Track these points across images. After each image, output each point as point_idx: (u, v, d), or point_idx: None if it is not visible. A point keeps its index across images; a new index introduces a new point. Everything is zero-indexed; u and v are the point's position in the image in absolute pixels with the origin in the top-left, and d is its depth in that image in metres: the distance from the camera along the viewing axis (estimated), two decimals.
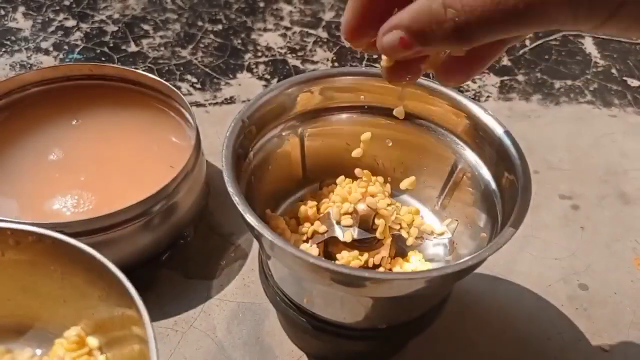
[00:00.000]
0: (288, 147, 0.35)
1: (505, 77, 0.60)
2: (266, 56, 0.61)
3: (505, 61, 0.62)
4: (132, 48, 0.60)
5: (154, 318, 0.37)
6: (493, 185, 0.32)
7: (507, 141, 0.31)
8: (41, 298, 0.27)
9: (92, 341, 0.27)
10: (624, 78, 0.61)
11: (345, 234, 0.32)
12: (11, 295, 0.27)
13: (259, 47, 0.62)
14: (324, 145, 0.37)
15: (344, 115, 0.36)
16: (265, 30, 0.64)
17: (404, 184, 0.36)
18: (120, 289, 0.25)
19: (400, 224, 0.35)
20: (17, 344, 0.28)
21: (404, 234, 0.34)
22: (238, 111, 0.32)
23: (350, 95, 0.35)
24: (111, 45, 0.61)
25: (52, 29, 0.62)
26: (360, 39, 0.24)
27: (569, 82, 0.60)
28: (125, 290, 0.24)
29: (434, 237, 0.35)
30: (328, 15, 0.67)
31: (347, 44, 0.63)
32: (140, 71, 0.44)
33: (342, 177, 0.36)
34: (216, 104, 0.55)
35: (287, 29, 0.65)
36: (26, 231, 0.26)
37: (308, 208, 0.35)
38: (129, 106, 0.46)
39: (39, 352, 0.28)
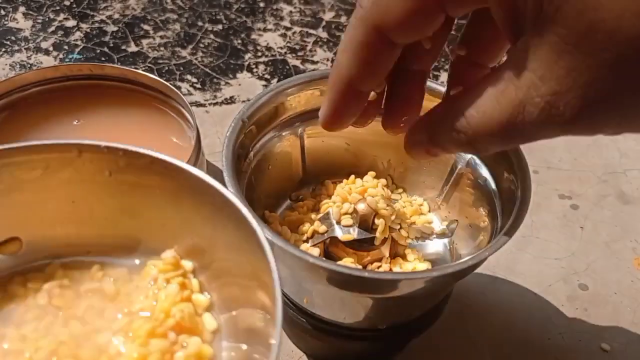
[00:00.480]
0: (288, 147, 0.35)
1: None
2: (266, 56, 0.61)
3: None
4: (132, 48, 0.60)
5: None
6: (493, 185, 0.32)
7: None
8: (139, 220, 0.27)
9: (187, 264, 0.27)
10: None
11: (345, 234, 0.32)
12: (109, 214, 0.27)
13: (259, 47, 0.62)
14: (323, 145, 0.37)
15: None
16: (265, 30, 0.64)
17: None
18: (232, 213, 0.24)
19: (400, 223, 0.35)
20: (109, 262, 0.28)
21: (403, 233, 0.34)
22: (238, 111, 0.32)
23: None
24: (111, 45, 0.61)
25: (52, 29, 0.62)
26: (339, 129, 0.28)
27: None
28: (238, 213, 0.23)
29: (434, 237, 0.35)
30: (328, 15, 0.67)
31: None
32: (140, 71, 0.44)
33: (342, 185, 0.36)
34: (216, 104, 0.55)
35: (287, 29, 0.65)
36: (140, 153, 0.26)
37: (307, 209, 0.35)
38: (129, 106, 0.46)
39: (131, 270, 0.27)
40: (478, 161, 0.34)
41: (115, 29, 0.63)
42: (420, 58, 0.27)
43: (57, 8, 0.65)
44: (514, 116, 0.20)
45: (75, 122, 0.46)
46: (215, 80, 0.57)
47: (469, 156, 0.34)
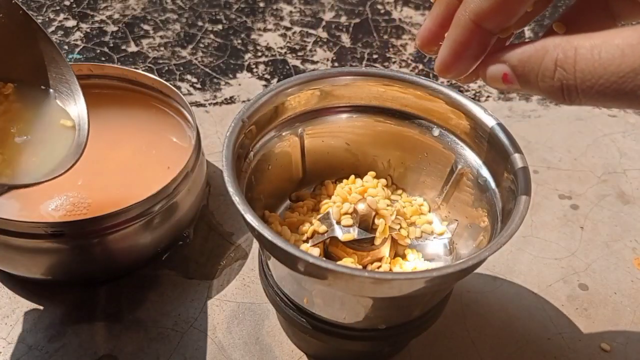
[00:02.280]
0: (288, 147, 0.35)
1: None
2: (266, 56, 0.61)
3: None
4: (132, 48, 0.60)
5: (154, 318, 0.38)
6: (493, 185, 0.32)
7: (506, 141, 0.31)
8: None
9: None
10: None
11: (345, 234, 0.32)
12: None
13: (259, 47, 0.62)
14: (324, 145, 0.37)
15: (344, 115, 0.36)
16: (265, 30, 0.64)
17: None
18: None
19: (400, 223, 0.35)
20: None
21: (403, 233, 0.34)
22: (238, 111, 0.32)
23: (350, 95, 0.35)
24: (111, 45, 0.61)
25: (52, 29, 0.62)
26: (455, 74, 0.25)
27: None
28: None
29: (434, 237, 0.35)
30: (328, 15, 0.67)
31: (348, 44, 0.63)
32: (140, 71, 0.44)
33: (343, 184, 0.36)
34: (216, 104, 0.55)
35: (287, 29, 0.65)
36: None
37: (306, 209, 0.35)
38: (129, 106, 0.46)
39: None
40: (478, 161, 0.34)
41: (115, 29, 0.63)
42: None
43: (57, 8, 0.65)
44: (637, 72, 0.19)
45: None
46: (215, 80, 0.57)
47: (469, 156, 0.34)
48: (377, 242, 0.32)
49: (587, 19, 0.25)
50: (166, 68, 0.58)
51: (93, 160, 0.43)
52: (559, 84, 0.21)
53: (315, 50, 0.62)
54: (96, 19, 0.64)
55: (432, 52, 0.26)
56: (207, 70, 0.58)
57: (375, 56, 0.62)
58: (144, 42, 0.61)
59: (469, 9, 0.23)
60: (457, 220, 0.35)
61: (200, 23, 0.65)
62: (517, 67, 0.22)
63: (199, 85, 0.56)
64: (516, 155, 0.30)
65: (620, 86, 0.19)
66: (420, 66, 0.61)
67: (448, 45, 0.24)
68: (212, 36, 0.63)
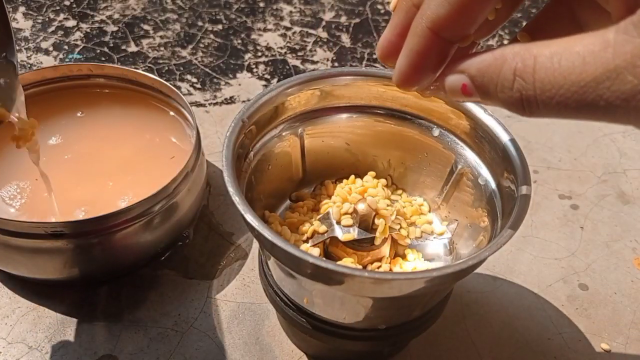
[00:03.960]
0: (288, 147, 0.35)
1: None
2: (266, 56, 0.61)
3: None
4: (132, 48, 0.60)
5: (154, 318, 0.38)
6: (493, 185, 0.32)
7: (506, 141, 0.31)
8: None
9: None
10: None
11: (345, 234, 0.32)
12: None
13: (259, 47, 0.62)
14: (323, 145, 0.37)
15: (344, 115, 0.36)
16: (265, 30, 0.64)
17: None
18: None
19: (400, 223, 0.35)
20: None
21: (403, 233, 0.34)
22: (238, 111, 0.32)
23: (350, 95, 0.35)
24: (111, 45, 0.61)
25: (52, 29, 0.62)
26: (413, 86, 0.24)
27: None
28: None
29: (434, 237, 0.35)
30: (328, 15, 0.67)
31: (348, 44, 0.63)
32: (140, 71, 0.44)
33: (343, 183, 0.36)
34: (216, 104, 0.55)
35: (287, 29, 0.65)
36: None
37: (306, 209, 0.35)
38: (129, 106, 0.46)
39: None
40: (478, 161, 0.34)
41: (115, 29, 0.63)
42: (479, 28, 0.24)
43: (57, 8, 0.65)
44: (598, 81, 0.17)
45: (79, 114, 0.46)
46: (215, 80, 0.57)
47: (469, 156, 0.34)
48: (377, 242, 0.32)
49: (554, 28, 0.23)
50: (166, 68, 0.58)
51: (93, 160, 0.43)
52: (518, 95, 0.19)
53: (315, 50, 0.62)
54: (96, 19, 0.64)
55: (394, 64, 0.25)
56: (207, 70, 0.58)
57: (375, 56, 0.62)
58: (144, 42, 0.61)
59: (425, 16, 0.22)
60: (457, 220, 0.35)
61: (200, 23, 0.65)
62: (475, 77, 0.21)
63: (199, 85, 0.56)
64: (516, 155, 0.30)
65: (582, 96, 0.18)
66: None
67: (405, 55, 0.23)
68: (212, 36, 0.63)
